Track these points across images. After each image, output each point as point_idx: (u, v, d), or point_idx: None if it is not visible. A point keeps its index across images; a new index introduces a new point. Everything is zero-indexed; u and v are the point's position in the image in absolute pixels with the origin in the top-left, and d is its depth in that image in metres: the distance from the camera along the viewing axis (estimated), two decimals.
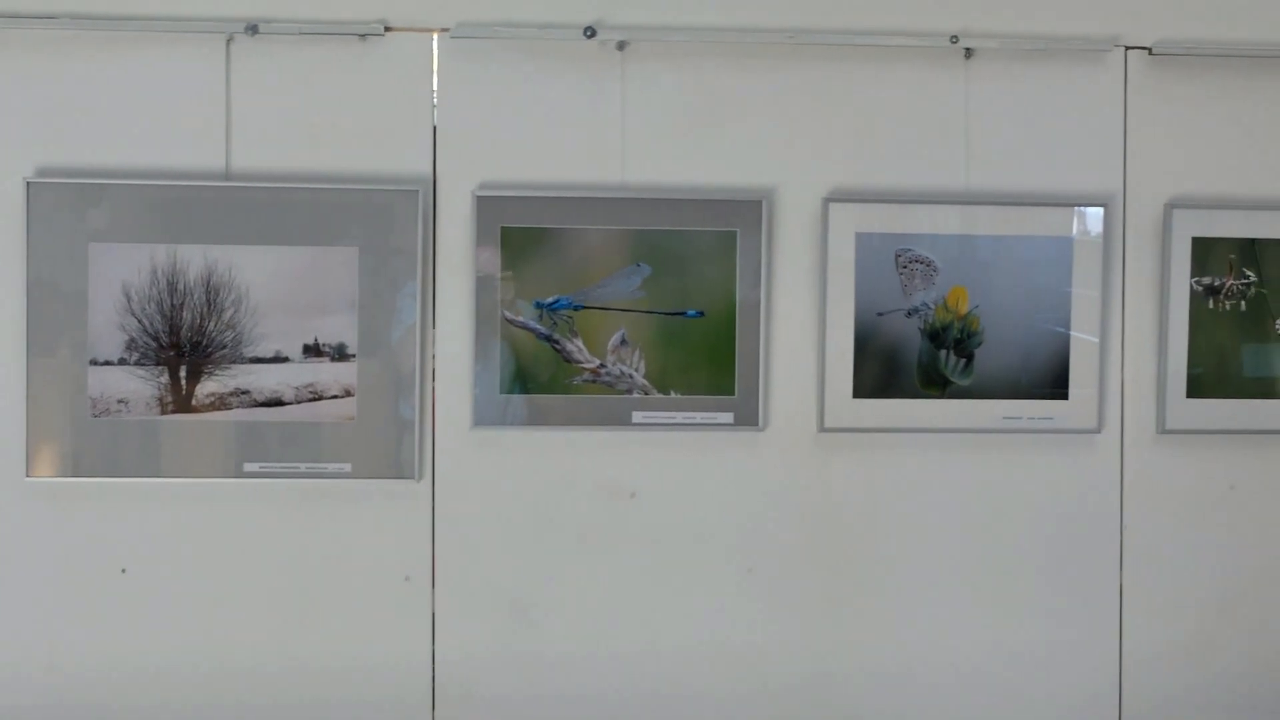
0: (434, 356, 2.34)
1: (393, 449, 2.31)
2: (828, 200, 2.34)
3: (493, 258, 2.31)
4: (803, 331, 2.37)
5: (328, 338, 2.31)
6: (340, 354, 2.31)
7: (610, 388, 2.34)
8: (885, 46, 2.35)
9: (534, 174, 2.34)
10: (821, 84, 2.37)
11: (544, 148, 2.34)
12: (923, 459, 2.40)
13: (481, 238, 2.31)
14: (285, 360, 2.30)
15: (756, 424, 2.35)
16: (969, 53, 2.37)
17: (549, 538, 2.37)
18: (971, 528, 2.41)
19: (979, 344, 2.37)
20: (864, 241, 2.35)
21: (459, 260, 2.33)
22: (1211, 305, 2.39)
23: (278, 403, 2.30)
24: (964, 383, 2.37)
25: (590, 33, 2.31)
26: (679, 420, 2.35)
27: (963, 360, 2.37)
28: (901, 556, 2.41)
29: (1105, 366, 2.40)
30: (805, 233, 2.36)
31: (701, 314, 2.35)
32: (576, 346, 2.34)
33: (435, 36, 2.33)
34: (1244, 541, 2.45)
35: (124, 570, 2.32)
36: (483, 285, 2.32)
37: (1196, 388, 2.39)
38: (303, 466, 2.31)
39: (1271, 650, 2.47)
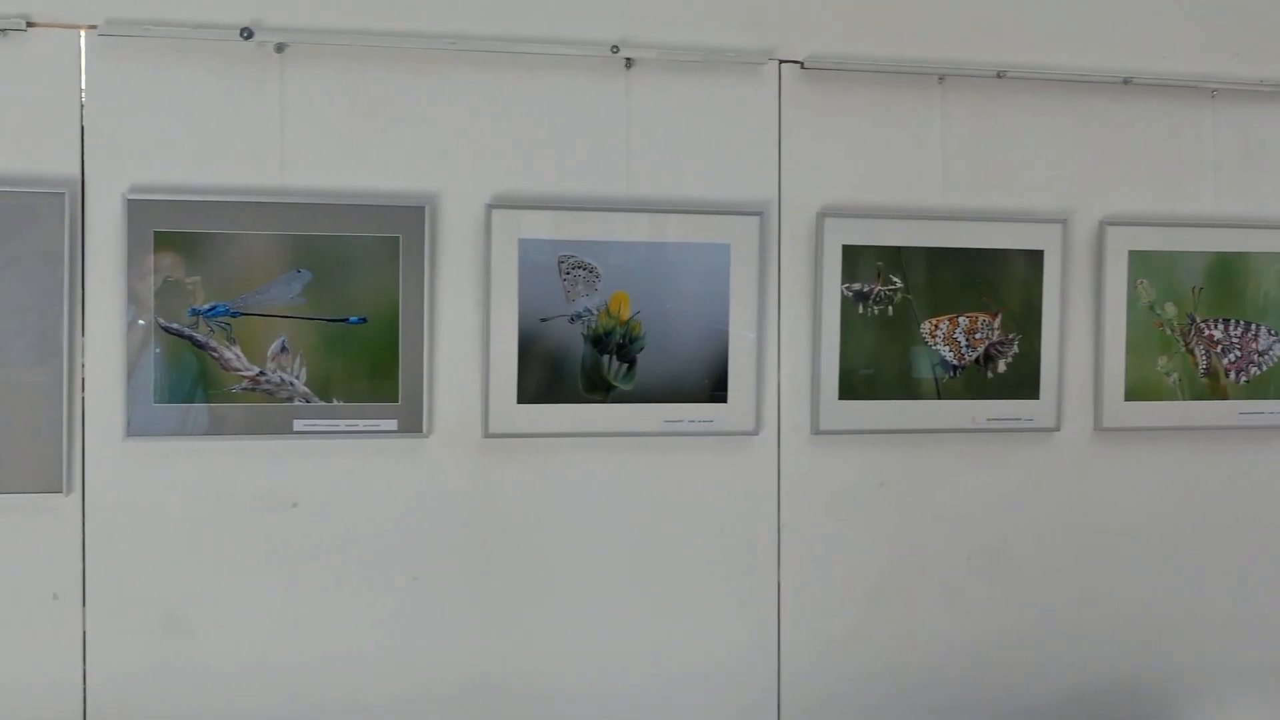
0: (83, 365, 2.78)
1: (38, 462, 2.72)
2: (490, 206, 2.90)
3: (145, 263, 2.74)
4: (467, 337, 2.91)
5: None
6: None
7: (271, 395, 2.86)
8: (547, 55, 2.95)
9: (189, 177, 2.77)
10: (484, 91, 2.91)
11: (200, 150, 2.78)
12: (587, 463, 2.98)
13: (133, 243, 2.73)
14: None
15: (420, 430, 2.90)
16: (629, 63, 3.00)
17: (207, 550, 2.83)
18: (635, 530, 3.01)
19: (641, 349, 3.01)
20: (527, 247, 2.94)
21: (109, 266, 2.74)
22: (861, 310, 3.10)
23: None
24: (627, 387, 3.01)
25: (247, 34, 2.79)
26: (342, 428, 2.87)
27: (625, 365, 3.01)
28: (566, 560, 2.99)
29: (763, 370, 3.04)
30: (468, 239, 2.91)
31: (364, 320, 2.88)
32: (235, 354, 2.85)
33: (82, 34, 2.75)
34: (893, 536, 3.13)
35: None
36: (135, 291, 2.74)
37: (848, 390, 3.09)
38: None
39: (919, 640, 3.15)
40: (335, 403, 2.83)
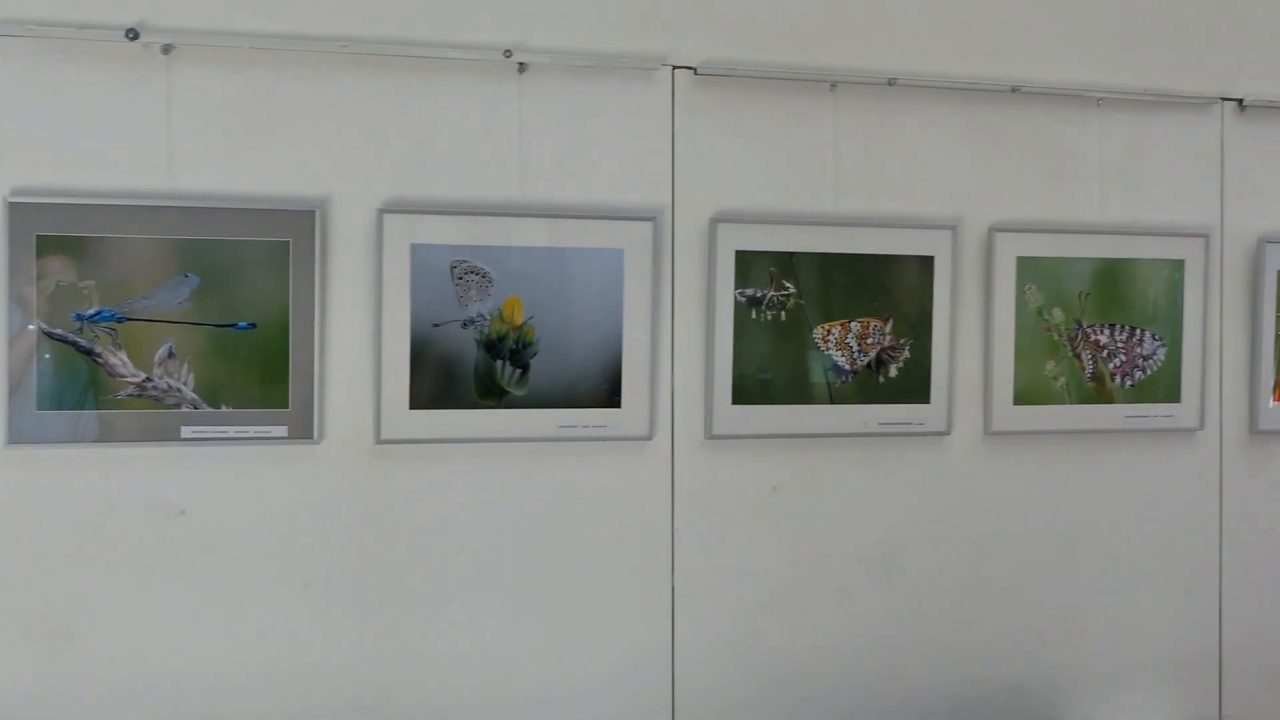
0: None
1: None
2: (382, 211, 2.96)
3: (30, 268, 2.77)
4: (358, 343, 2.97)
5: None
6: None
7: (157, 402, 2.91)
8: (440, 59, 3.03)
9: (73, 180, 2.80)
10: (376, 94, 2.97)
11: (84, 153, 2.81)
12: (480, 469, 3.05)
13: (15, 247, 2.76)
14: None
15: (311, 437, 2.95)
16: (522, 67, 3.08)
17: (92, 561, 2.84)
18: (529, 535, 3.09)
19: (534, 354, 3.09)
20: (419, 252, 3.00)
21: None
22: (754, 315, 3.21)
23: None
24: (520, 393, 3.10)
25: (133, 35, 2.82)
26: (231, 434, 2.91)
27: (519, 370, 3.09)
28: (459, 567, 3.06)
29: (656, 375, 3.13)
30: (360, 243, 2.97)
31: (254, 326, 2.93)
32: (120, 360, 2.90)
33: None
34: (786, 540, 3.23)
35: None
36: (22, 296, 2.76)
37: (741, 395, 3.21)
38: None
39: (813, 643, 3.26)
40: (224, 409, 2.89)
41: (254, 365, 2.91)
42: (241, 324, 2.88)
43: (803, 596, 3.25)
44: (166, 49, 2.84)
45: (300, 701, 2.98)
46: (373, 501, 2.99)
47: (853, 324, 3.20)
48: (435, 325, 2.97)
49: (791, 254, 3.15)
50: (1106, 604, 3.46)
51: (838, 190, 3.21)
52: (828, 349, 3.19)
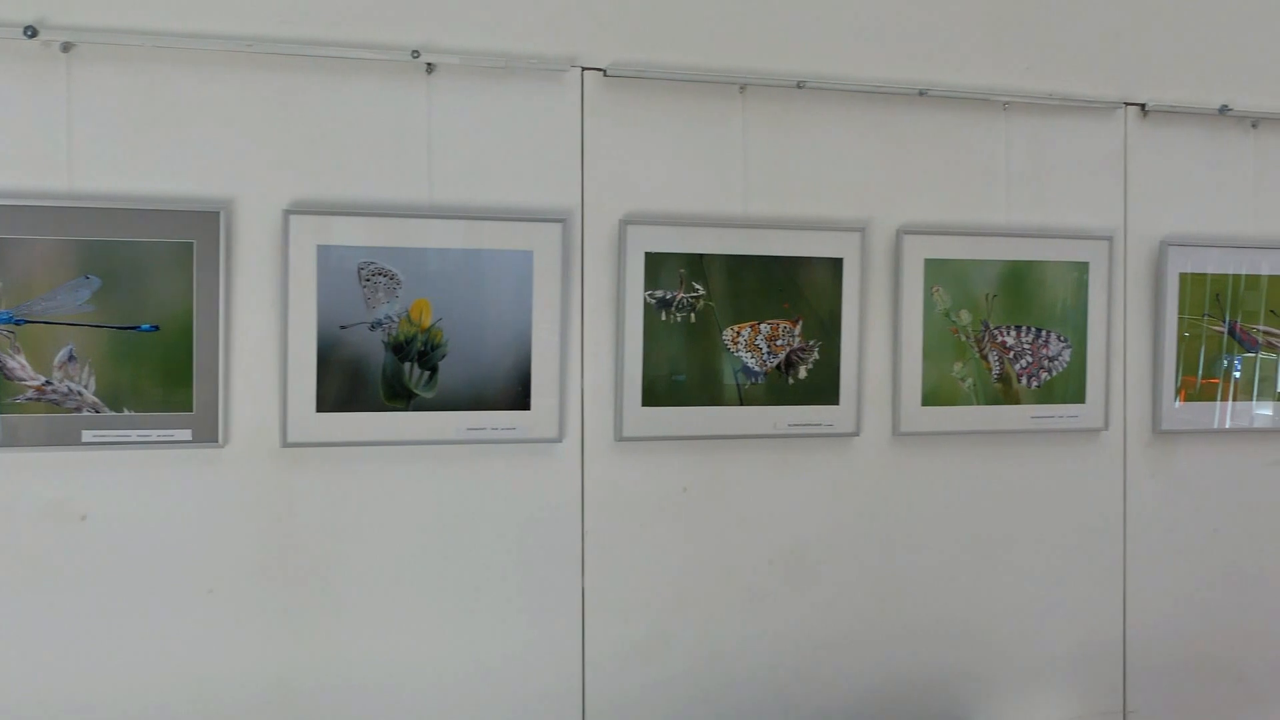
0: None
1: None
2: (288, 212, 2.97)
3: None
4: (264, 345, 2.98)
5: None
6: None
7: (57, 406, 2.91)
8: (347, 59, 3.06)
9: None
10: (281, 94, 2.98)
11: None
12: (388, 471, 3.08)
13: None
14: None
15: (216, 440, 2.96)
16: (431, 68, 3.11)
17: None
18: (437, 538, 3.11)
19: (443, 356, 3.12)
20: (325, 254, 3.02)
21: None
22: (664, 317, 3.26)
23: None
24: (428, 395, 3.13)
25: (31, 32, 2.81)
26: (134, 438, 2.91)
27: (427, 373, 3.12)
28: (368, 570, 3.09)
29: (566, 377, 3.18)
30: (265, 245, 2.99)
31: (156, 328, 2.93)
32: (19, 363, 2.89)
33: None
34: (696, 541, 3.29)
35: None
36: None
37: (651, 397, 3.26)
38: None
39: (723, 643, 3.31)
40: (126, 413, 2.88)
41: (157, 368, 2.90)
42: (144, 326, 2.88)
43: (713, 597, 3.30)
44: (66, 47, 2.84)
45: (205, 708, 2.98)
46: (278, 505, 3.00)
47: (762, 326, 3.26)
48: (342, 327, 2.99)
49: (701, 255, 3.20)
50: (1013, 602, 3.55)
51: (747, 192, 3.26)
52: (737, 350, 3.24)
